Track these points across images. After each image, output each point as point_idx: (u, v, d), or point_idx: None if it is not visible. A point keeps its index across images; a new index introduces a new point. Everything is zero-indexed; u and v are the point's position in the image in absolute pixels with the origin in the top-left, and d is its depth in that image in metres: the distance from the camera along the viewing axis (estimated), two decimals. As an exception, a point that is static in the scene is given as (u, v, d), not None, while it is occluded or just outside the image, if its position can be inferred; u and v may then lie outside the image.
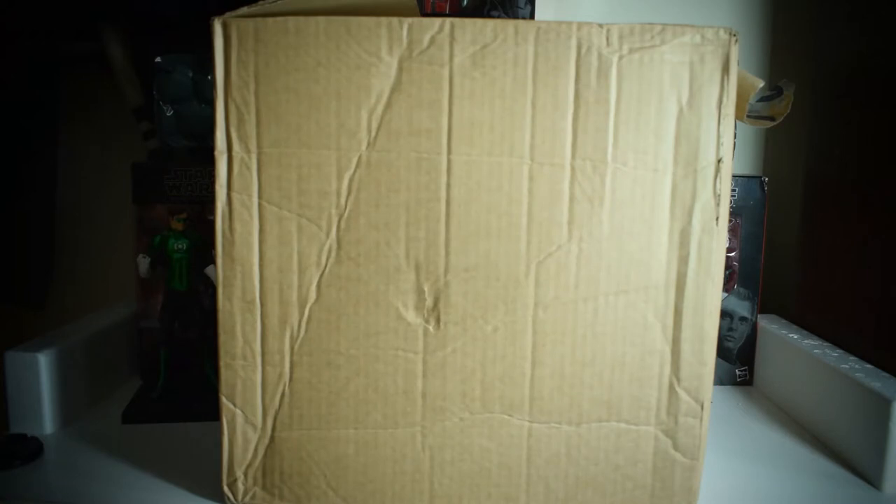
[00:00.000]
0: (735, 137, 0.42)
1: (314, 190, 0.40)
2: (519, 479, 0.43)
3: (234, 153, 0.40)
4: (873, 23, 0.59)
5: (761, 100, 0.46)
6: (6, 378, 0.53)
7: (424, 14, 0.64)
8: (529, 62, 0.39)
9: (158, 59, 0.64)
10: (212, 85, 0.40)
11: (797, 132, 0.70)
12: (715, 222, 0.41)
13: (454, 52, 0.39)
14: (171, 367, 0.61)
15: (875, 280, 0.56)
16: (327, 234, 0.41)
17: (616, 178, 0.40)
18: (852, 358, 0.56)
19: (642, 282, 0.41)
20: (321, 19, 0.39)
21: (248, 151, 0.40)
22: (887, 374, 0.51)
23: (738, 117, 0.43)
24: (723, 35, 0.39)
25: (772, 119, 0.46)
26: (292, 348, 0.41)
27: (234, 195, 0.40)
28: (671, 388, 0.42)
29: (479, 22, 0.39)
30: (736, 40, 0.39)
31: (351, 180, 0.40)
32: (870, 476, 0.48)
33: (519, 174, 0.40)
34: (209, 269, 0.59)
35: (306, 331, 0.41)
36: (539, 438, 0.42)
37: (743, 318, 0.67)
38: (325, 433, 0.42)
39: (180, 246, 0.60)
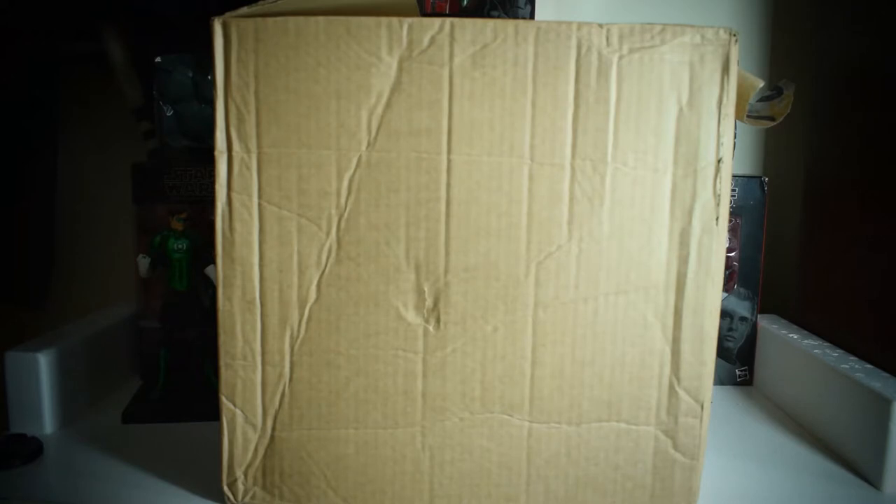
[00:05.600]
0: (735, 137, 0.42)
1: (314, 190, 0.40)
2: (519, 479, 0.43)
3: (234, 153, 0.40)
4: (873, 23, 0.59)
5: (761, 100, 0.46)
6: (6, 378, 0.53)
7: (424, 14, 0.64)
8: (529, 62, 0.39)
9: (158, 59, 0.64)
10: (212, 85, 0.40)
11: (797, 132, 0.70)
12: (715, 222, 0.41)
13: (454, 52, 0.39)
14: (171, 367, 0.61)
15: (875, 280, 0.56)
16: (327, 234, 0.41)
17: (616, 177, 0.40)
18: (852, 358, 0.56)
19: (642, 282, 0.41)
20: (321, 19, 0.39)
21: (248, 151, 0.40)
22: (887, 374, 0.51)
23: (738, 117, 0.43)
24: (723, 35, 0.39)
25: (772, 119, 0.46)
26: (292, 348, 0.41)
27: (234, 195, 0.40)
28: (671, 388, 0.42)
29: (479, 22, 0.39)
30: (736, 40, 0.39)
31: (351, 180, 0.40)
32: (870, 476, 0.48)
33: (519, 174, 0.40)
34: (209, 269, 0.59)
35: (306, 331, 0.41)
36: (539, 438, 0.42)
37: (743, 318, 0.67)
38: (325, 433, 0.42)
39: (180, 246, 0.60)
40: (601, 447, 0.42)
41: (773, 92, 0.46)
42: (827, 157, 0.65)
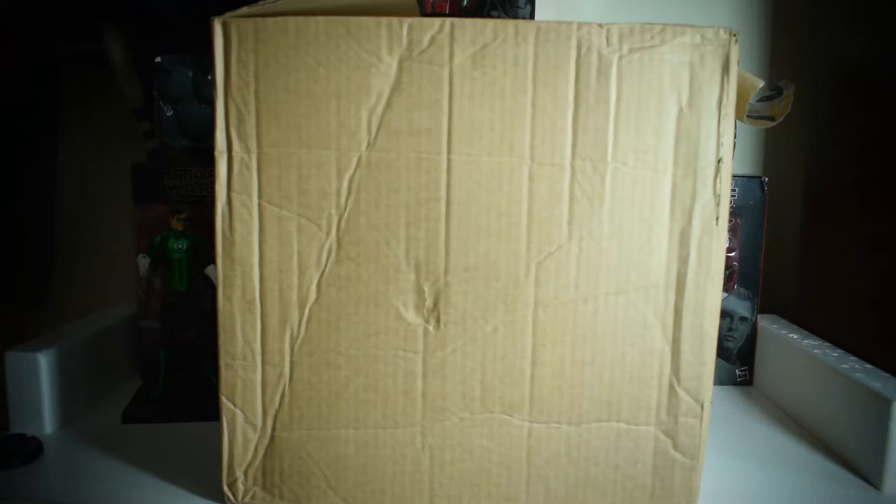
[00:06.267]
0: (735, 137, 0.42)
1: (314, 190, 0.40)
2: (519, 479, 0.43)
3: (234, 153, 0.40)
4: (873, 23, 0.59)
5: (761, 100, 0.46)
6: (6, 378, 0.53)
7: (424, 14, 0.64)
8: (529, 62, 0.39)
9: (158, 59, 0.64)
10: (212, 85, 0.40)
11: (797, 132, 0.70)
12: (715, 222, 0.41)
13: (454, 52, 0.39)
14: (171, 367, 0.61)
15: (875, 280, 0.56)
16: (327, 234, 0.41)
17: (616, 177, 0.40)
18: (852, 358, 0.56)
19: (642, 282, 0.41)
20: (321, 19, 0.39)
21: (248, 151, 0.40)
22: (887, 374, 0.51)
23: (737, 117, 0.43)
24: (723, 35, 0.39)
25: (772, 119, 0.46)
26: (292, 348, 0.41)
27: (234, 195, 0.40)
28: (671, 388, 0.42)
29: (479, 22, 0.39)
30: (736, 40, 0.39)
31: (351, 180, 0.40)
32: (870, 476, 0.48)
33: (519, 174, 0.40)
34: (209, 269, 0.59)
35: (306, 331, 0.41)
36: (539, 438, 0.42)
37: (743, 318, 0.67)
38: (325, 433, 0.42)
39: (180, 246, 0.60)
40: (601, 447, 0.42)
41: (773, 92, 0.46)
42: (827, 157, 0.65)
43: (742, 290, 0.66)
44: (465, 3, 0.65)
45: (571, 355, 0.41)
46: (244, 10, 0.39)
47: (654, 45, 0.39)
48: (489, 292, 0.41)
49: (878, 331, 0.55)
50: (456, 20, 0.39)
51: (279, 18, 0.39)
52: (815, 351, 0.58)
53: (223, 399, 0.42)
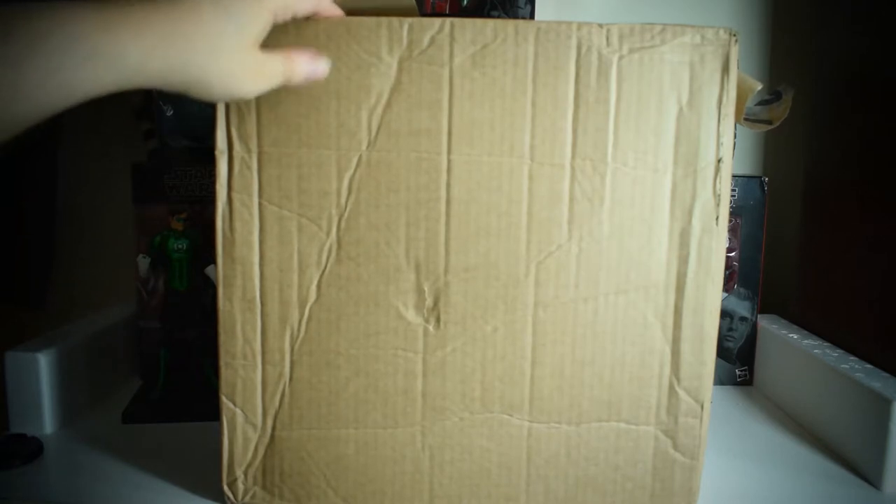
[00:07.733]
0: (735, 137, 0.42)
1: (314, 190, 0.40)
2: (519, 478, 0.43)
3: (234, 153, 0.40)
4: (873, 23, 0.59)
5: (760, 103, 0.46)
6: (6, 378, 0.53)
7: (424, 14, 0.64)
8: (529, 62, 0.39)
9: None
10: (212, 85, 0.40)
11: (797, 133, 0.70)
12: (715, 222, 0.41)
13: (454, 52, 0.39)
14: (171, 367, 0.61)
15: (875, 280, 0.56)
16: (327, 234, 0.41)
17: (616, 177, 0.40)
18: (852, 358, 0.56)
19: (642, 282, 0.41)
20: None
21: (248, 151, 0.40)
22: (887, 374, 0.51)
23: (735, 120, 0.43)
24: (723, 35, 0.39)
25: (769, 123, 0.46)
26: (292, 348, 0.41)
27: (235, 195, 0.40)
28: (671, 388, 0.42)
29: (479, 22, 0.39)
30: (736, 40, 0.40)
31: (351, 180, 0.40)
32: (870, 476, 0.48)
33: (519, 174, 0.40)
34: (209, 269, 0.59)
35: (306, 330, 0.41)
36: (539, 438, 0.42)
37: (743, 318, 0.67)
38: (324, 433, 0.42)
39: (180, 246, 0.60)
40: (601, 447, 0.42)
41: (771, 96, 0.46)
42: (827, 157, 0.65)
43: (742, 290, 0.66)
44: (465, 3, 0.65)
45: (571, 355, 0.41)
46: (244, 9, 0.39)
47: (654, 45, 0.39)
48: (489, 292, 0.41)
49: (878, 331, 0.55)
50: (456, 20, 0.39)
51: (279, 18, 0.39)
52: (815, 351, 0.58)
53: (223, 398, 0.42)
